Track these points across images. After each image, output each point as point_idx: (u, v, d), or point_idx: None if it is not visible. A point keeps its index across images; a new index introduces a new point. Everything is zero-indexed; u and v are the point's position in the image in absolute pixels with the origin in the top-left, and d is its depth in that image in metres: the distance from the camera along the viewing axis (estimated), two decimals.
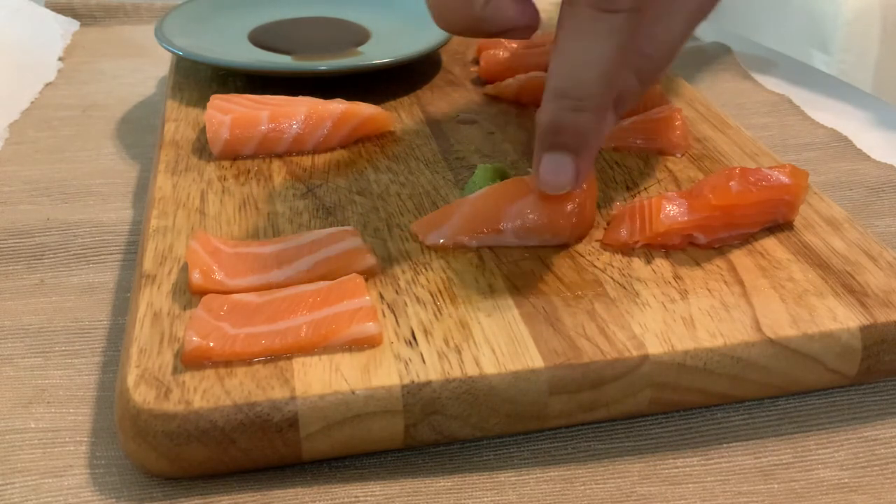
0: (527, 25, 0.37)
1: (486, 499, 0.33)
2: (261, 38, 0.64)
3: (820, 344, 0.36)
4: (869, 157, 0.58)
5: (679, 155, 0.50)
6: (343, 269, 0.39)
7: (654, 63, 0.40)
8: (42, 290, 0.45)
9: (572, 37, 0.35)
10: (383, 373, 0.34)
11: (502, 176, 0.47)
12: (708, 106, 0.56)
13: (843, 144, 0.60)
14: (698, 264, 0.40)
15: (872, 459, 0.35)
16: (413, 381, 0.33)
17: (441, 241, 0.41)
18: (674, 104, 0.53)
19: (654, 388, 0.35)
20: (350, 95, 0.52)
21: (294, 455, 0.34)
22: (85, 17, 0.84)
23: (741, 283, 0.39)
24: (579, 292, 0.38)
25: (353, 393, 0.33)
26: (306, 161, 0.50)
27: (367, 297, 0.37)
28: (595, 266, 0.40)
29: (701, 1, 0.40)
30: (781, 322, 0.36)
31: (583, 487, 0.34)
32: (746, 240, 0.42)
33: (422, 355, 0.35)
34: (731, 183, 0.41)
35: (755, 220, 0.42)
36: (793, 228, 0.43)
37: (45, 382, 0.39)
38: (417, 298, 0.38)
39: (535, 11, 0.37)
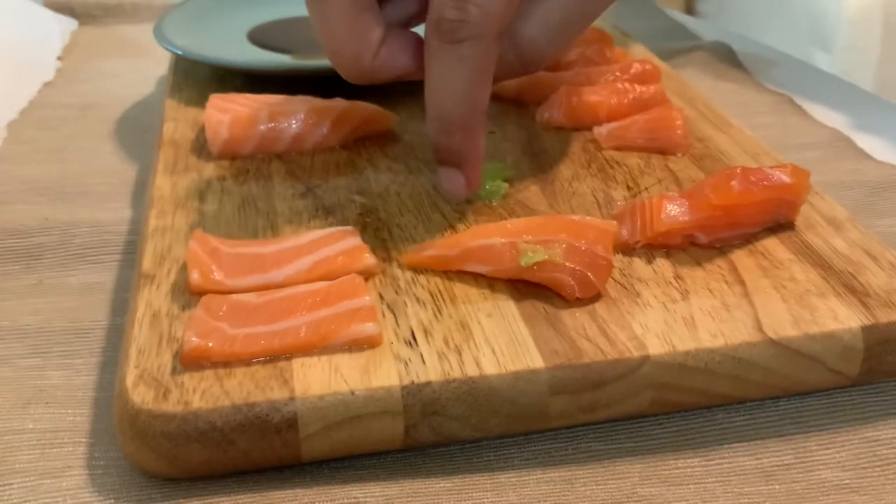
0: (418, 70, 0.41)
1: (486, 500, 0.33)
2: (260, 38, 0.64)
3: (821, 344, 0.36)
4: (870, 156, 0.58)
5: (680, 154, 0.50)
6: (343, 269, 0.39)
7: (539, 47, 0.41)
8: (40, 290, 0.45)
9: (431, 67, 0.39)
10: (383, 373, 0.34)
11: (502, 176, 0.47)
12: (709, 105, 0.56)
13: (844, 144, 0.59)
14: (699, 264, 0.40)
15: (874, 460, 0.35)
16: (413, 382, 0.33)
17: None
18: (675, 104, 0.53)
19: (655, 388, 0.35)
20: (350, 95, 0.52)
21: (293, 456, 0.33)
22: (83, 16, 0.84)
23: (742, 283, 0.39)
24: None
25: (352, 393, 0.33)
26: (306, 160, 0.50)
27: (367, 297, 0.36)
28: None
29: None
30: (783, 322, 0.36)
31: (583, 488, 0.34)
32: (748, 240, 0.42)
33: (422, 356, 0.35)
34: (733, 182, 0.41)
35: (756, 220, 0.42)
36: (794, 228, 0.43)
37: (43, 383, 0.39)
38: (417, 298, 0.38)
39: None
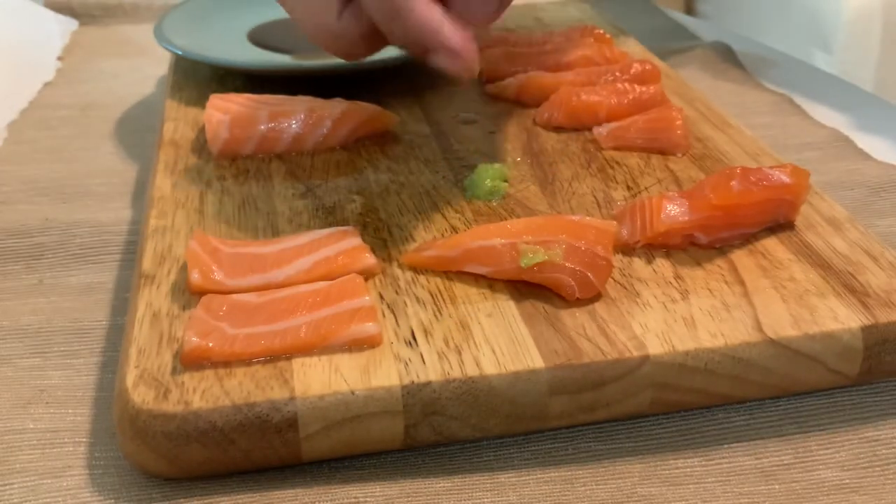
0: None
1: (486, 500, 0.33)
2: (260, 38, 0.64)
3: (821, 344, 0.36)
4: (870, 156, 0.58)
5: (680, 155, 0.50)
6: (343, 269, 0.39)
7: None
8: (41, 290, 0.45)
9: None
10: (383, 373, 0.34)
11: (502, 176, 0.47)
12: (709, 105, 0.56)
13: (844, 144, 0.59)
14: (699, 264, 0.40)
15: (874, 460, 0.35)
16: (413, 382, 0.33)
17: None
18: (674, 104, 0.53)
19: (655, 388, 0.35)
20: (350, 95, 0.52)
21: (294, 456, 0.33)
22: (84, 16, 0.84)
23: (742, 283, 0.39)
24: None
25: (352, 393, 0.33)
26: (306, 161, 0.50)
27: (367, 297, 0.36)
28: None
29: None
30: (782, 322, 0.36)
31: (583, 488, 0.34)
32: (747, 240, 0.42)
33: (422, 356, 0.35)
34: (733, 182, 0.41)
35: (756, 220, 0.42)
36: (794, 228, 0.43)
37: (43, 383, 0.39)
38: (417, 298, 0.38)
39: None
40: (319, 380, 0.33)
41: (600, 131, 0.52)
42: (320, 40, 0.42)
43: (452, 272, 0.39)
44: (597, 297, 0.38)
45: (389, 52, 0.59)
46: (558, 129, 0.53)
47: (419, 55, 0.40)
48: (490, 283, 0.39)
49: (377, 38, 0.41)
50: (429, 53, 0.40)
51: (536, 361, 0.34)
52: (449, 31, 0.39)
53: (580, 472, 0.34)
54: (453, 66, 0.40)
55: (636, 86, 0.54)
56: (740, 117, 0.61)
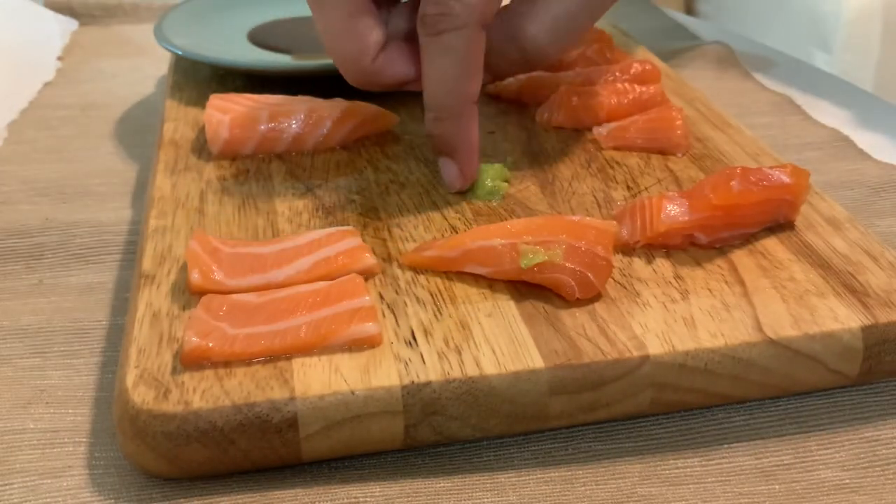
0: (417, 79, 0.43)
1: (486, 500, 0.33)
2: (260, 38, 0.64)
3: (821, 344, 0.36)
4: (870, 156, 0.58)
5: (680, 154, 0.50)
6: (343, 269, 0.39)
7: (542, 44, 0.42)
8: (41, 290, 0.45)
9: (423, 61, 0.41)
10: (383, 373, 0.34)
11: (502, 176, 0.47)
12: (709, 105, 0.56)
13: (844, 144, 0.59)
14: (699, 264, 0.40)
15: (874, 460, 0.35)
16: (413, 382, 0.33)
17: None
18: (674, 104, 0.53)
19: (655, 388, 0.35)
20: (350, 95, 0.52)
21: (294, 456, 0.33)
22: (84, 16, 0.84)
23: (742, 283, 0.39)
24: None
25: (352, 393, 0.33)
26: (306, 161, 0.50)
27: (367, 297, 0.36)
28: None
29: None
30: (782, 322, 0.36)
31: (583, 488, 0.34)
32: (747, 240, 0.42)
33: (422, 356, 0.35)
34: (733, 183, 0.41)
35: (756, 220, 0.42)
36: (794, 228, 0.43)
37: (43, 383, 0.39)
38: (417, 298, 0.38)
39: None
40: (319, 380, 0.33)
41: (600, 131, 0.52)
42: (345, 71, 0.43)
43: (452, 272, 0.39)
44: (597, 297, 0.38)
45: None
46: (558, 129, 0.53)
47: (437, 144, 0.44)
48: (490, 283, 0.39)
49: (402, 86, 0.44)
50: (443, 154, 0.44)
51: (536, 361, 0.34)
52: (473, 159, 0.44)
53: (580, 472, 0.34)
54: (452, 180, 0.45)
55: (636, 86, 0.54)
56: (740, 117, 0.61)
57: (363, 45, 0.42)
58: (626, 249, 0.41)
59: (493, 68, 0.44)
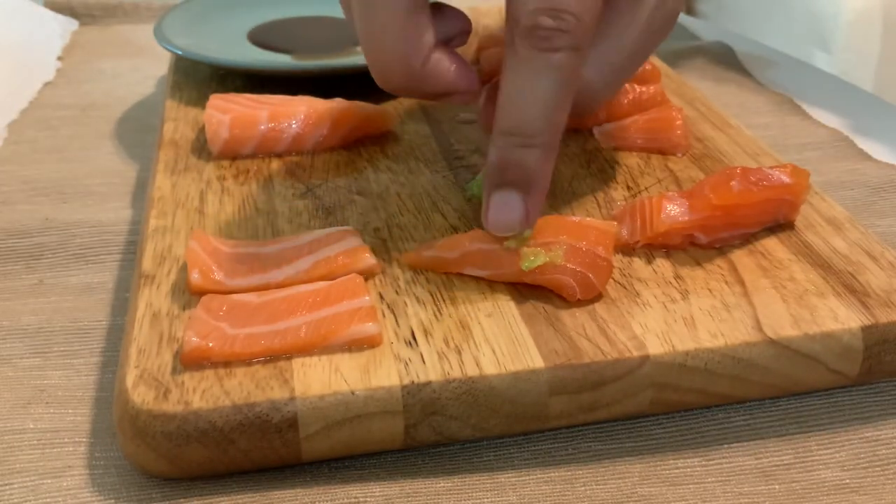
0: (466, 90, 0.39)
1: (486, 500, 0.33)
2: (260, 38, 0.64)
3: (821, 344, 0.36)
4: (870, 156, 0.58)
5: (680, 154, 0.50)
6: (343, 269, 0.39)
7: (595, 89, 0.40)
8: (41, 290, 0.45)
9: (516, 76, 0.36)
10: (383, 373, 0.34)
11: None
12: (709, 105, 0.56)
13: (844, 144, 0.59)
14: (699, 264, 0.40)
15: (874, 460, 0.35)
16: (413, 382, 0.33)
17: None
18: (675, 104, 0.53)
19: (655, 388, 0.35)
20: (350, 95, 0.52)
21: (294, 456, 0.33)
22: (84, 16, 0.84)
23: (742, 283, 0.39)
24: None
25: (352, 393, 0.33)
26: (306, 161, 0.50)
27: (367, 297, 0.36)
28: None
29: (643, 28, 0.40)
30: (782, 322, 0.36)
31: (583, 488, 0.34)
32: (747, 240, 0.42)
33: (422, 355, 0.35)
34: (732, 183, 0.41)
35: (756, 220, 0.42)
36: (794, 228, 0.43)
37: (43, 383, 0.39)
38: (417, 298, 0.38)
39: (475, 77, 0.39)
40: (319, 380, 0.33)
41: (600, 131, 0.52)
42: (390, 73, 0.38)
43: (452, 273, 0.39)
44: (597, 297, 0.38)
45: None
46: None
47: (507, 175, 0.38)
48: (490, 283, 0.39)
49: (442, 97, 0.39)
50: (509, 187, 0.38)
51: (536, 361, 0.34)
52: (543, 198, 0.39)
53: (580, 472, 0.34)
54: (512, 220, 0.38)
55: (636, 86, 0.53)
56: (740, 117, 0.61)
57: (417, 44, 0.37)
58: (626, 249, 0.41)
59: None
